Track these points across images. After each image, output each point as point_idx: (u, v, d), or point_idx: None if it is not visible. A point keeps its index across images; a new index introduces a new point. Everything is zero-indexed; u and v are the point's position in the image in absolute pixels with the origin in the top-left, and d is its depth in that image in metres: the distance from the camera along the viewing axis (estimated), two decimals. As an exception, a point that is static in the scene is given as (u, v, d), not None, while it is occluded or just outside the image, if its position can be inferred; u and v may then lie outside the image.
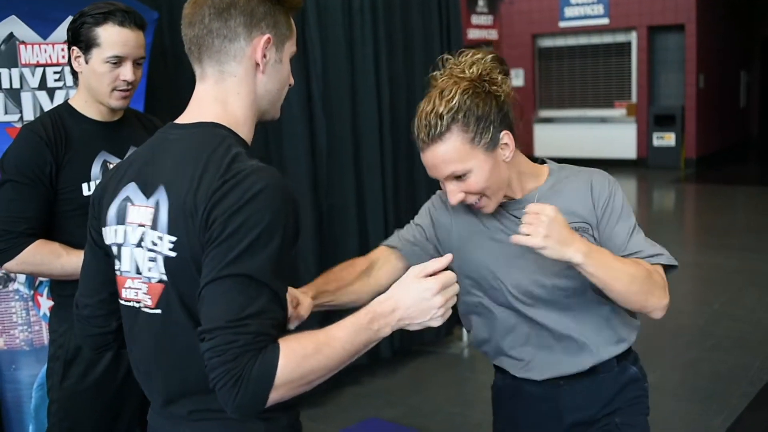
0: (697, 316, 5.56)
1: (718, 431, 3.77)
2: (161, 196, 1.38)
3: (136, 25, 2.23)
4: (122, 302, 1.49)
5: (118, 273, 1.49)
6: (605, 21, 13.90)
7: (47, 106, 2.80)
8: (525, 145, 14.71)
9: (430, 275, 1.41)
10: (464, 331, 5.08)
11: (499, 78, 1.73)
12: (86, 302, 1.58)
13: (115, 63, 2.21)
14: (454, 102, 1.67)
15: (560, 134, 14.22)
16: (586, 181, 1.82)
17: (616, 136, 13.87)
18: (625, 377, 1.89)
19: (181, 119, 1.47)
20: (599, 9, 13.96)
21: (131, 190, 1.44)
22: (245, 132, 1.47)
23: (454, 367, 4.79)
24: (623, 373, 1.89)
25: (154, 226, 1.37)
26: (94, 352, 1.73)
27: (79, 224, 2.22)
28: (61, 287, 2.29)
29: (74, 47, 2.24)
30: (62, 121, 2.25)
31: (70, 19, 2.27)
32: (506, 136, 1.73)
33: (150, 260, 1.39)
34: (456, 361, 4.87)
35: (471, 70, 1.72)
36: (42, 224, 2.21)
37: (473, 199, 1.75)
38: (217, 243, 1.26)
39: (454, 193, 1.73)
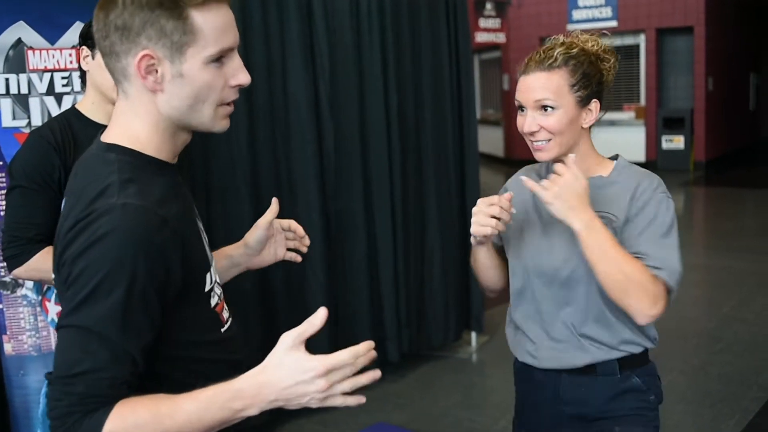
0: (707, 320, 5.53)
1: (728, 436, 3.75)
2: None
3: None
4: None
5: None
6: (613, 23, 13.86)
7: (55, 112, 2.80)
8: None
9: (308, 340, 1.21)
10: (473, 335, 5.06)
11: (611, 61, 1.92)
12: None
13: None
14: (574, 51, 1.85)
15: (569, 137, 14.16)
16: (636, 181, 1.87)
17: (625, 138, 13.81)
18: (625, 385, 1.90)
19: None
20: (607, 11, 13.94)
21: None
22: (153, 149, 1.32)
23: (463, 371, 4.77)
24: (625, 381, 1.90)
25: None
26: None
27: None
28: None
29: (83, 47, 2.27)
30: (70, 125, 2.25)
31: (77, 24, 2.28)
32: (594, 104, 1.89)
33: None
34: (464, 366, 4.86)
35: (590, 44, 1.89)
36: (51, 230, 2.20)
37: (543, 137, 1.85)
38: (66, 287, 1.19)
39: (532, 122, 1.85)
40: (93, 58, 2.24)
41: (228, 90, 1.32)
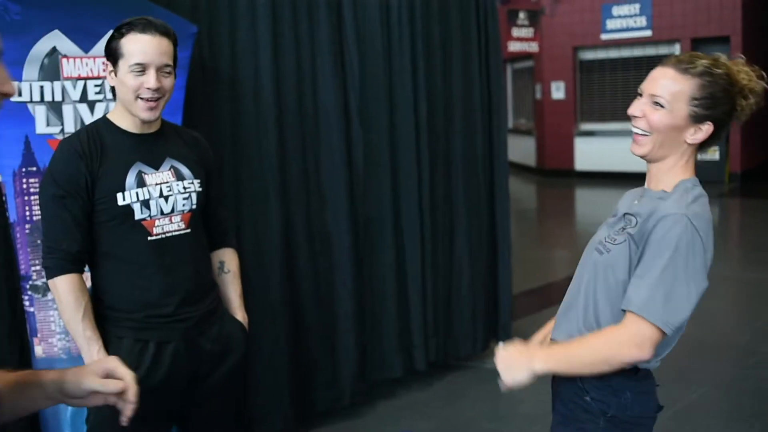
0: (741, 334, 5.44)
1: (761, 452, 3.68)
2: None
3: (158, 32, 2.25)
4: None
5: None
6: (648, 33, 13.74)
7: (88, 119, 2.84)
8: (565, 159, 14.60)
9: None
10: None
11: (751, 101, 1.91)
12: None
13: (139, 71, 2.23)
14: (717, 71, 1.86)
15: (601, 148, 14.07)
16: (659, 207, 1.89)
17: (659, 149, 13.69)
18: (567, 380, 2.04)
19: None
20: (642, 21, 13.81)
21: None
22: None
23: (490, 382, 4.69)
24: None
25: None
26: None
27: (114, 233, 2.27)
28: (97, 298, 2.32)
29: (107, 62, 2.30)
30: (99, 133, 2.30)
31: (111, 33, 2.31)
32: (708, 126, 1.89)
33: None
34: (492, 376, 4.76)
35: (742, 76, 1.89)
36: (84, 239, 2.26)
37: (641, 126, 1.91)
38: None
39: (638, 108, 1.92)
40: (116, 74, 2.27)
41: None
